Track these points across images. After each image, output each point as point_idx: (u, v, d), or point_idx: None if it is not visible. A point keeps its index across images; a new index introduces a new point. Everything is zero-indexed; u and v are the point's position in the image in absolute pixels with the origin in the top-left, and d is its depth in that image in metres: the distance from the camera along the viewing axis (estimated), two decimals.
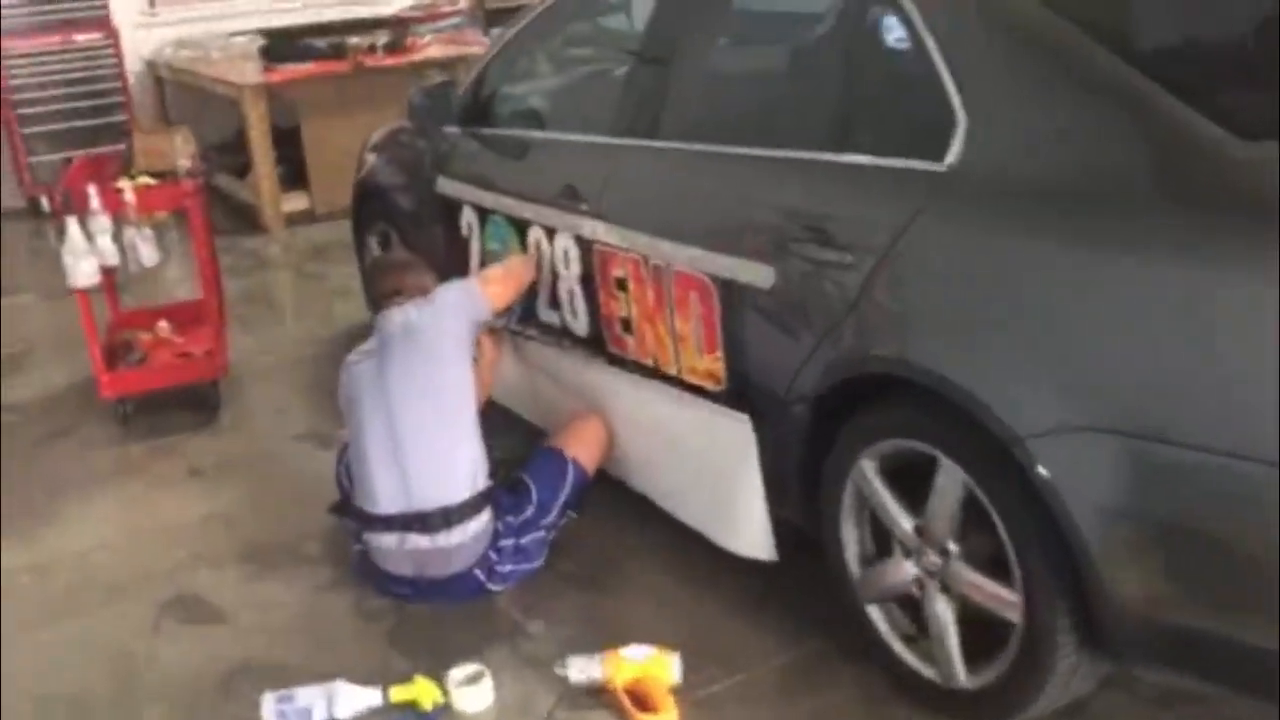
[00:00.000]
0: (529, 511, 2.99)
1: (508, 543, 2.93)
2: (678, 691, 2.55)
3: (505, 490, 2.99)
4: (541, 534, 3.01)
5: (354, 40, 7.07)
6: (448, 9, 8.06)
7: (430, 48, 7.19)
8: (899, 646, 2.49)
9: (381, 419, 2.90)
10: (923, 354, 2.23)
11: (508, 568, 2.94)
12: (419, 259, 3.36)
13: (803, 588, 2.81)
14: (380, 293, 3.17)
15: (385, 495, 2.87)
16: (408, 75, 6.71)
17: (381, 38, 7.26)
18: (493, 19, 9.12)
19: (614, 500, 3.20)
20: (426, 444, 2.88)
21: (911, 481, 2.38)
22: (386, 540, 2.88)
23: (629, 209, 2.97)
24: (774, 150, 2.62)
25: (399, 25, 7.53)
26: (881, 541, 2.51)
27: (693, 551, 2.97)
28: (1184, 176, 1.95)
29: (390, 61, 6.79)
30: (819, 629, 2.72)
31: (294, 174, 6.66)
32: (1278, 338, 1.74)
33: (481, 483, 2.91)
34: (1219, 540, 1.90)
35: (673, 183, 2.89)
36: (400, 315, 3.03)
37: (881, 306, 2.31)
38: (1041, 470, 2.02)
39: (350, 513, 3.02)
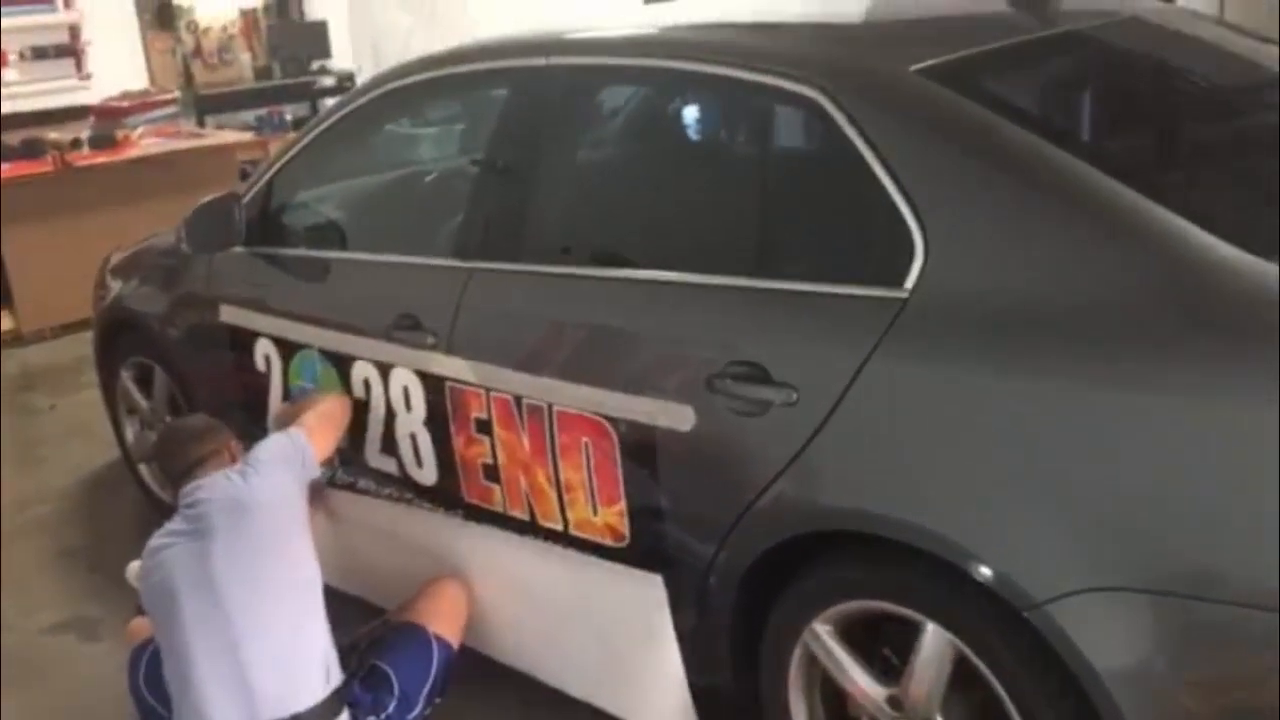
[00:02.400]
0: (391, 707, 2.50)
1: None
2: None
3: (360, 683, 2.49)
4: None
5: (53, 135, 6.26)
6: (160, 97, 7.29)
7: (145, 140, 6.45)
8: None
9: (211, 618, 2.34)
10: (904, 508, 1.96)
11: None
12: (216, 421, 2.78)
13: None
14: (179, 467, 2.60)
15: (221, 712, 2.31)
16: (124, 174, 5.98)
17: (85, 131, 6.48)
18: (205, 105, 8.42)
19: (485, 674, 2.75)
20: (271, 641, 2.35)
21: (867, 644, 2.12)
22: None
23: (492, 342, 2.57)
24: (690, 275, 2.30)
25: (105, 117, 6.75)
26: (835, 710, 2.21)
27: None
28: (1190, 299, 1.79)
29: (103, 159, 6.01)
30: None
31: None
32: None
33: (335, 677, 2.41)
34: (1254, 695, 1.73)
35: (550, 312, 2.51)
36: (217, 488, 2.48)
37: (840, 453, 2.04)
38: (1064, 634, 1.79)
39: None
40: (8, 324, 5.75)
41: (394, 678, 2.52)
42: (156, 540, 2.49)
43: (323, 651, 2.41)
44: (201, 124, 8.07)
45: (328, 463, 2.87)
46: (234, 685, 2.31)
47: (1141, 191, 1.88)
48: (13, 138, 6.19)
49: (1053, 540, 1.81)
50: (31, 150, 6.03)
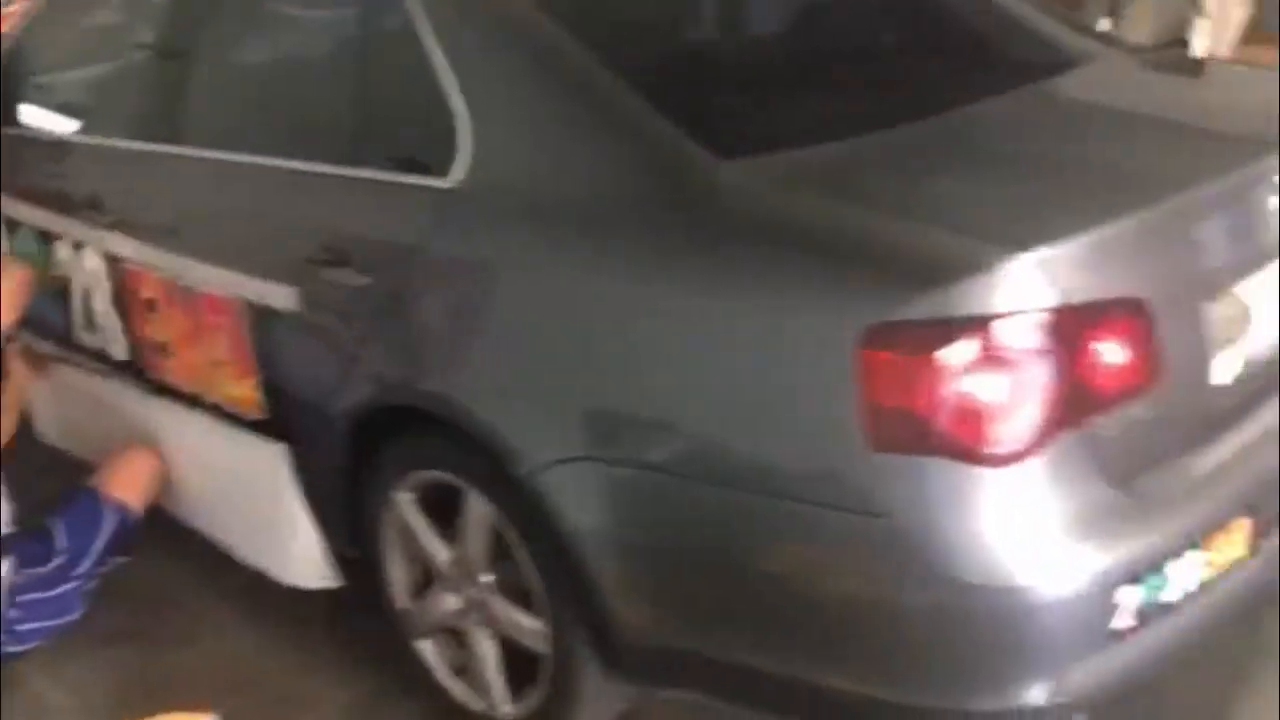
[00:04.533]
0: (57, 561, 2.68)
1: (30, 597, 2.61)
2: None
3: (28, 538, 2.67)
4: (74, 585, 2.70)
5: None
6: None
7: None
8: (448, 680, 2.38)
9: None
10: (436, 383, 2.12)
11: (30, 625, 2.62)
12: None
13: (365, 621, 2.65)
14: None
15: None
16: None
17: None
18: None
19: (178, 538, 2.93)
20: None
21: (453, 511, 2.28)
22: None
23: (154, 224, 2.70)
24: (291, 162, 2.41)
25: None
26: (428, 574, 2.39)
27: (259, 589, 2.75)
28: (671, 199, 1.91)
29: None
30: (379, 664, 2.58)
31: None
32: (756, 358, 1.74)
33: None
34: (702, 564, 1.89)
35: (195, 195, 2.64)
36: None
37: (397, 332, 2.18)
38: (547, 498, 1.95)
39: None
40: None
41: (57, 535, 2.69)
42: None
43: None
44: None
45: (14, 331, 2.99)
46: None
47: (656, 104, 1.98)
48: None
49: (550, 414, 1.96)
50: None
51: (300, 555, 2.59)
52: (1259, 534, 1.89)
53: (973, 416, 1.62)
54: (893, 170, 1.91)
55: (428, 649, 2.41)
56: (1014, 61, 2.43)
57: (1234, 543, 1.86)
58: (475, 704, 2.33)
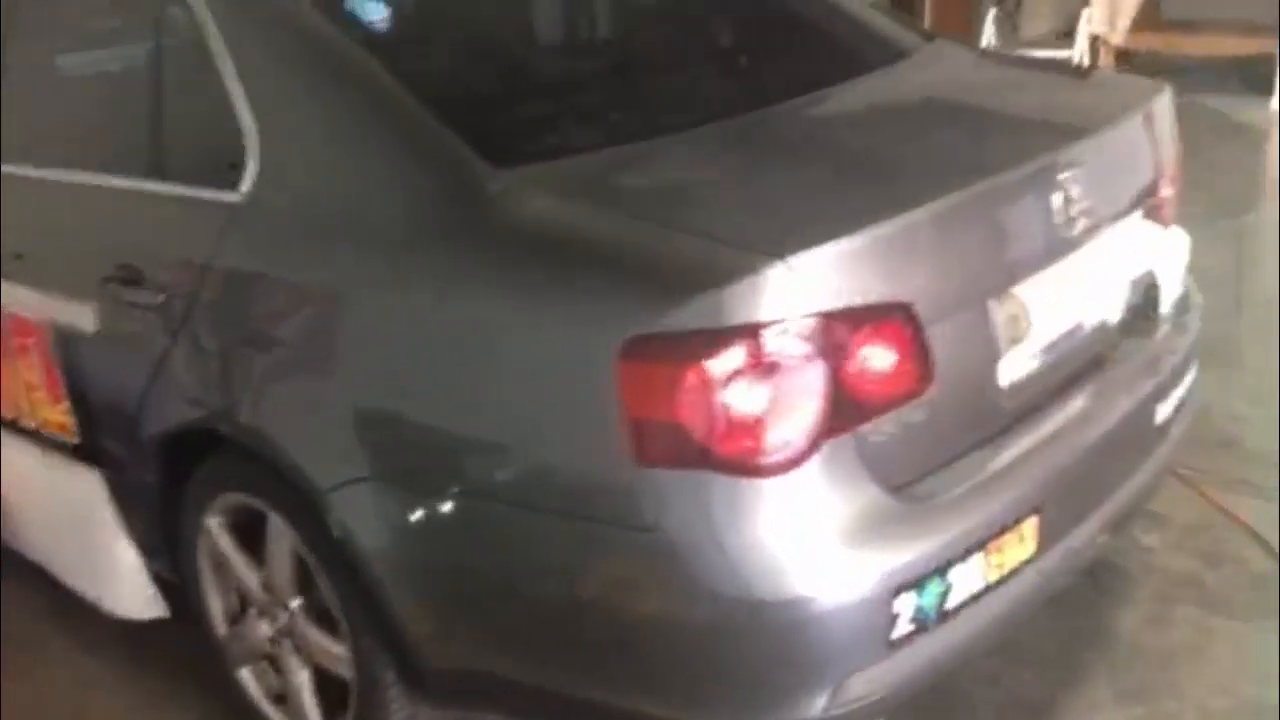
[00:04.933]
0: None
1: None
2: None
3: None
4: None
5: None
6: None
7: None
8: (268, 707, 2.33)
9: None
10: (225, 403, 2.06)
11: None
12: None
13: (197, 648, 2.58)
14: None
15: None
16: None
17: None
18: None
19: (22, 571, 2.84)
20: None
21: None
22: None
23: None
24: (90, 176, 2.34)
25: None
26: (244, 600, 2.33)
27: (98, 620, 2.66)
28: (448, 209, 1.87)
29: None
30: (207, 693, 2.51)
31: None
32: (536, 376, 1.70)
33: None
34: (486, 583, 1.85)
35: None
36: None
37: (190, 352, 2.12)
38: (338, 520, 1.90)
39: None
40: None
41: None
42: None
43: None
44: None
45: None
46: None
47: (438, 113, 1.93)
48: None
49: (333, 433, 1.91)
50: None
51: (126, 585, 2.51)
52: (1048, 533, 1.89)
53: (735, 428, 1.59)
54: (670, 176, 1.88)
55: (247, 676, 2.35)
56: (827, 59, 2.41)
57: (1023, 543, 1.86)
58: None
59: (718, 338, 1.57)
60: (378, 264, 1.89)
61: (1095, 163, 2.02)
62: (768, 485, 1.62)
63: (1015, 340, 1.88)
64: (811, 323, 1.61)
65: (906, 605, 1.69)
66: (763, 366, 1.59)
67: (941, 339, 1.75)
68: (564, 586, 1.75)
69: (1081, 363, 2.07)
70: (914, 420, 1.74)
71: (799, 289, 1.60)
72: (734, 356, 1.58)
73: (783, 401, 1.60)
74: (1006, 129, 2.11)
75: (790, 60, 2.37)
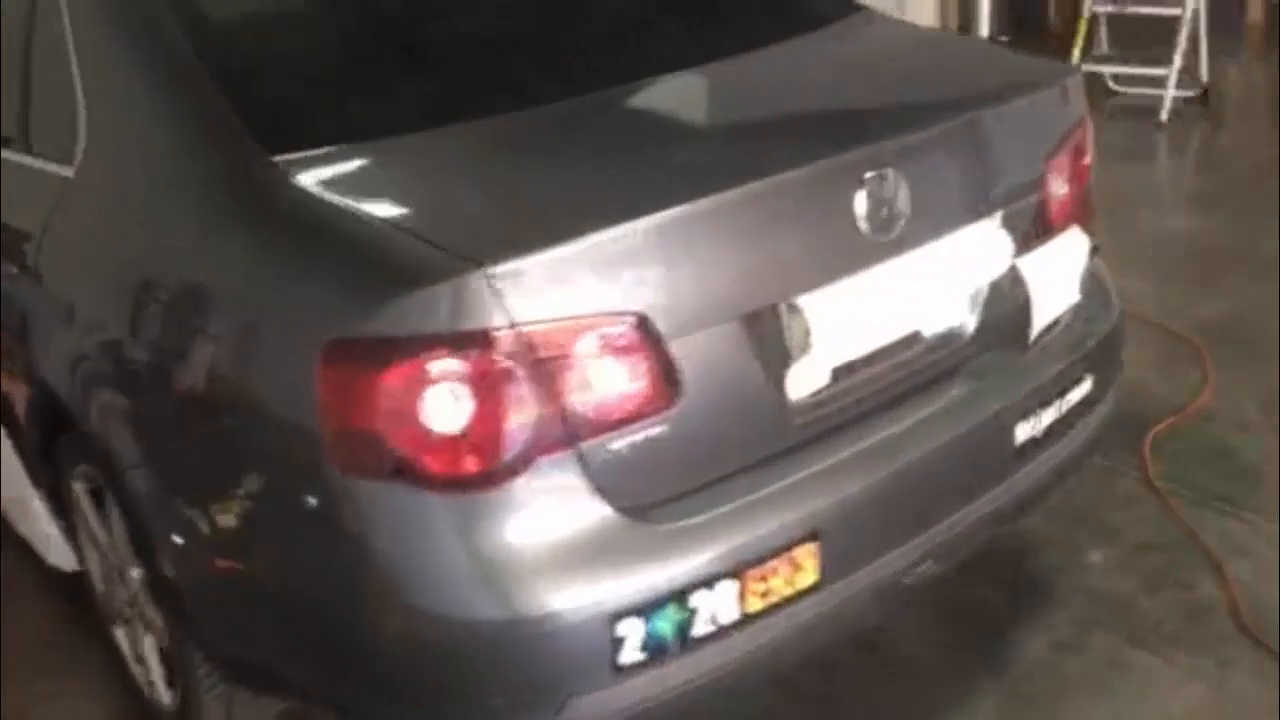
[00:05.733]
0: None
1: None
2: None
3: None
4: None
5: None
6: None
7: None
8: (133, 664, 2.39)
9: None
10: (48, 374, 2.12)
11: None
12: None
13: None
14: None
15: None
16: None
17: None
18: None
19: None
20: None
21: None
22: None
23: None
24: None
25: None
26: None
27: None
28: (228, 191, 1.83)
29: None
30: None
31: None
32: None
33: None
34: (235, 572, 1.84)
35: None
36: None
37: (32, 324, 2.17)
38: (134, 497, 1.94)
39: None
40: None
41: None
42: None
43: None
44: None
45: None
46: None
47: (233, 95, 1.88)
48: None
49: (126, 417, 1.94)
50: None
51: (50, 535, 2.62)
52: (834, 562, 1.75)
53: (433, 441, 1.53)
54: (432, 171, 1.79)
55: (120, 633, 2.42)
56: (710, 31, 2.24)
57: (800, 572, 1.73)
58: (146, 690, 2.34)
59: (412, 346, 1.51)
60: (176, 243, 1.88)
61: (933, 159, 1.85)
62: (470, 501, 1.55)
63: (802, 353, 1.74)
64: (518, 333, 1.52)
65: (633, 631, 1.60)
66: (462, 377, 1.51)
67: (694, 353, 1.63)
68: (301, 589, 1.72)
69: (911, 378, 1.91)
70: (659, 438, 1.64)
71: (504, 297, 1.51)
72: (431, 366, 1.51)
73: (485, 415, 1.53)
74: (834, 121, 1.94)
75: (664, 34, 2.22)
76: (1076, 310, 2.14)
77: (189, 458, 1.83)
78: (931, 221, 1.85)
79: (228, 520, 1.79)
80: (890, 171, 1.77)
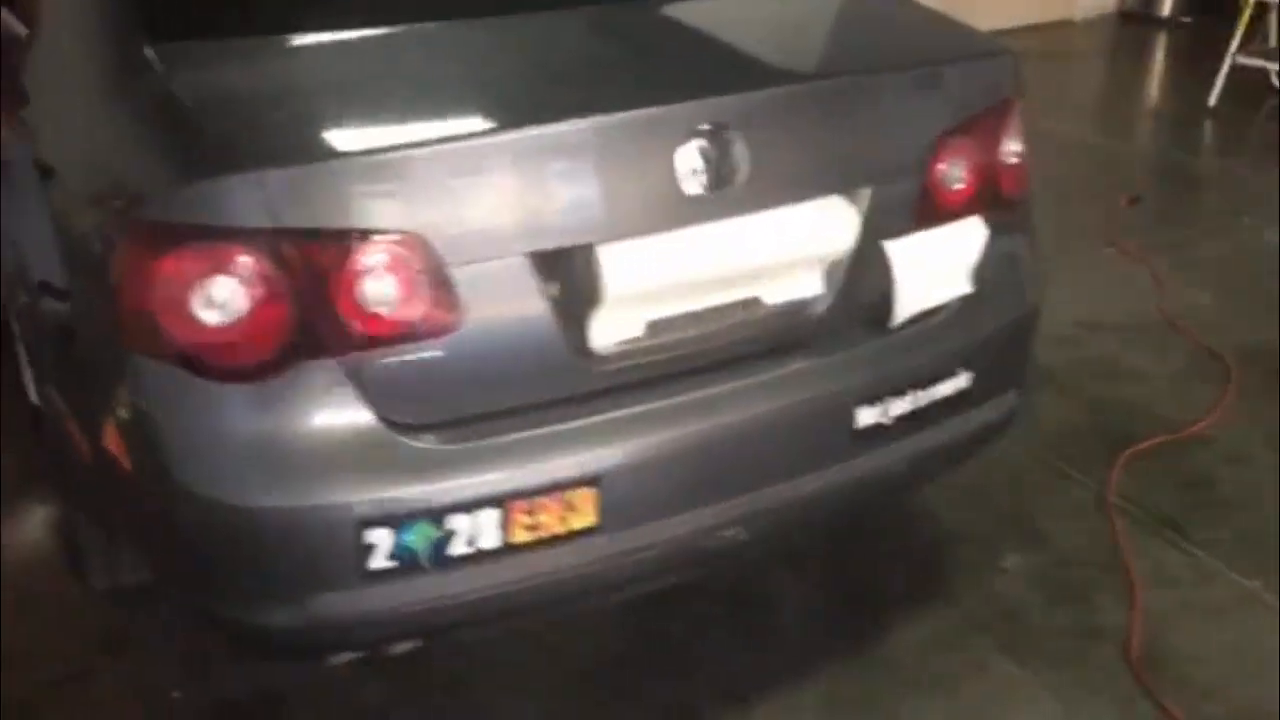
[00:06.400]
0: None
1: None
2: None
3: None
4: None
5: None
6: None
7: None
8: None
9: None
10: None
11: None
12: None
13: None
14: None
15: None
16: None
17: None
18: None
19: None
20: None
21: None
22: None
23: None
24: None
25: None
26: None
27: None
28: (110, 76, 1.91)
29: None
30: None
31: None
32: None
33: None
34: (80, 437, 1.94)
35: None
36: None
37: None
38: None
39: None
40: None
41: None
42: None
43: None
44: None
45: None
46: None
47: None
48: None
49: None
50: None
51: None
52: (616, 510, 1.76)
53: (197, 328, 1.60)
54: (281, 74, 1.85)
55: None
56: None
57: (573, 512, 1.75)
58: None
59: (189, 235, 1.58)
60: (67, 126, 1.98)
61: (787, 122, 1.80)
62: (235, 392, 1.63)
63: (600, 302, 1.74)
64: (290, 237, 1.58)
65: (383, 540, 1.67)
66: (231, 272, 1.58)
67: (478, 282, 1.66)
68: (105, 441, 1.81)
69: (749, 344, 1.89)
70: (435, 361, 1.67)
71: (279, 202, 1.56)
72: (203, 257, 1.58)
73: (251, 311, 1.59)
74: (684, 70, 1.89)
75: None
76: (965, 302, 2.06)
77: (50, 310, 1.97)
78: (774, 187, 1.80)
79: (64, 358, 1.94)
80: (730, 130, 1.74)
